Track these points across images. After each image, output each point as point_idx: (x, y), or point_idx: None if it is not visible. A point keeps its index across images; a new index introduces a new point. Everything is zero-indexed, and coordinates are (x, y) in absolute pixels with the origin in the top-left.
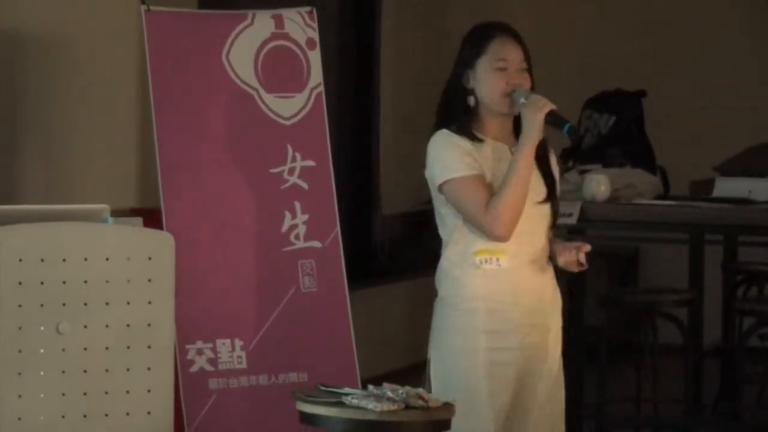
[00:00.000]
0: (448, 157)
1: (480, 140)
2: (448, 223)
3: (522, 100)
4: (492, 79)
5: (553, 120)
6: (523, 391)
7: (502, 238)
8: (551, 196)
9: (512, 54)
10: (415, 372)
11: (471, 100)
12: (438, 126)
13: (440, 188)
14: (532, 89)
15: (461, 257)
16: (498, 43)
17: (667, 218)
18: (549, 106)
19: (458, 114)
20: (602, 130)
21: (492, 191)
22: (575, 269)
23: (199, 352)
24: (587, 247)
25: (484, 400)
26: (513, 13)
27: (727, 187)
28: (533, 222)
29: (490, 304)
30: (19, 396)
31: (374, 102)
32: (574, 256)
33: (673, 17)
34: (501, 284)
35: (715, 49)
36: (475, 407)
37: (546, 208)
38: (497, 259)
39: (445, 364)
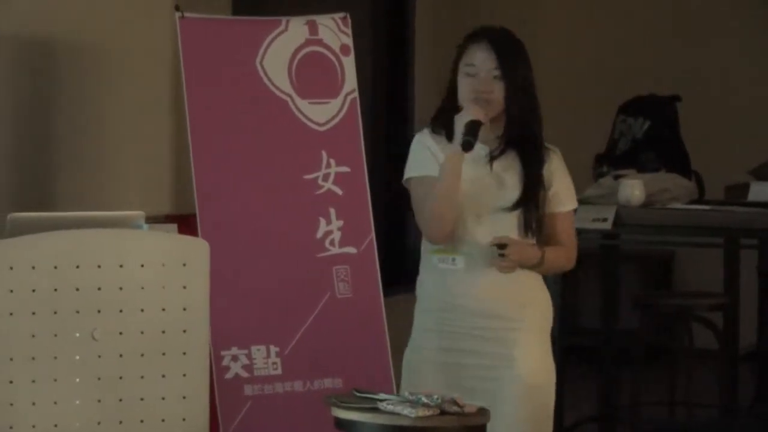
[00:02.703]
0: (411, 157)
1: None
2: None
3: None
4: (463, 83)
5: (467, 131)
6: (487, 396)
7: (433, 241)
8: (521, 204)
9: (481, 61)
10: None
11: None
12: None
13: (403, 184)
14: (522, 96)
15: (425, 255)
16: (472, 48)
17: (702, 223)
18: (471, 117)
19: (446, 114)
20: (637, 135)
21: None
22: (501, 270)
23: (235, 358)
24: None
25: None
26: (545, 18)
27: (762, 191)
28: (496, 227)
29: (442, 305)
30: (55, 402)
31: (408, 107)
32: (492, 255)
33: (708, 22)
34: (455, 285)
35: (749, 54)
36: None
37: (514, 215)
38: (453, 260)
39: (408, 360)
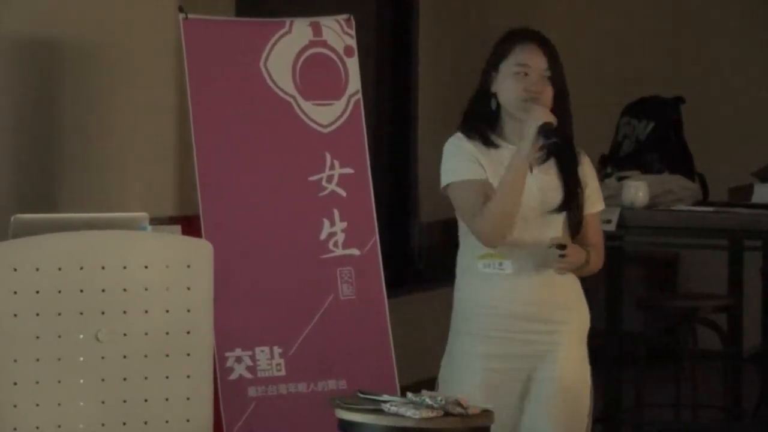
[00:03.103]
0: (451, 161)
1: (496, 145)
2: (460, 226)
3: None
4: (511, 83)
5: (544, 133)
6: (528, 400)
7: (490, 245)
8: (566, 206)
9: (534, 61)
10: None
11: (493, 103)
12: (458, 128)
13: (444, 191)
14: (564, 98)
15: (467, 260)
16: (521, 48)
17: (706, 224)
18: (543, 119)
19: (479, 117)
20: (641, 137)
21: None
22: (558, 272)
23: (238, 359)
24: (561, 247)
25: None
26: (550, 19)
27: (766, 192)
28: (543, 230)
29: (490, 310)
30: (59, 404)
31: (412, 109)
32: (552, 256)
33: (711, 23)
34: (502, 290)
35: (754, 55)
36: None
37: (559, 217)
38: (500, 264)
39: (450, 368)
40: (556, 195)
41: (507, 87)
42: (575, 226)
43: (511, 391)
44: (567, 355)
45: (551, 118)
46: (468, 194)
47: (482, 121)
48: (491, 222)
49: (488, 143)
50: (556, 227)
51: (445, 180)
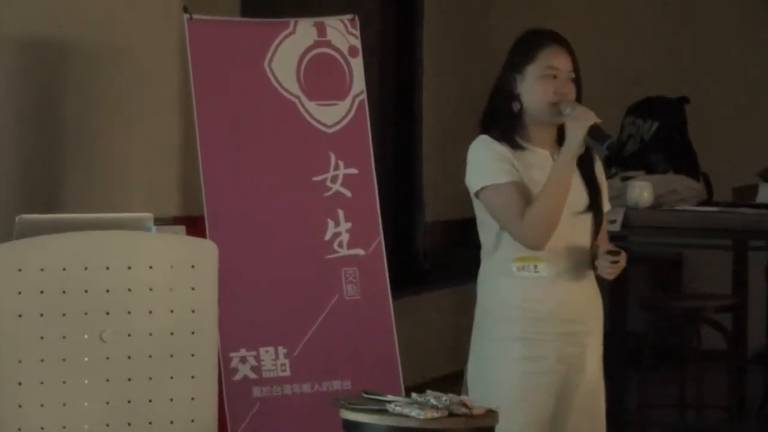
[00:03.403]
0: (485, 164)
1: (522, 147)
2: (487, 229)
3: (567, 110)
4: (540, 86)
5: (594, 134)
6: (560, 400)
7: (536, 247)
8: (593, 206)
9: (562, 63)
10: (458, 379)
11: (516, 106)
12: (481, 131)
13: (477, 195)
14: (578, 99)
15: (500, 264)
16: (549, 51)
17: (711, 224)
18: (593, 120)
19: (502, 119)
20: (645, 137)
21: (531, 199)
22: (607, 276)
23: (243, 359)
24: (615, 254)
25: (519, 410)
26: (554, 18)
27: None
28: (574, 231)
29: (526, 313)
30: (64, 404)
31: (417, 109)
32: (605, 262)
33: (716, 23)
34: (537, 292)
35: (758, 55)
36: (511, 417)
37: (587, 218)
38: (535, 267)
39: (482, 372)
40: (582, 196)
41: (535, 90)
42: (598, 225)
43: (548, 393)
44: (595, 356)
45: (597, 118)
46: (509, 197)
47: (505, 124)
48: (538, 224)
49: (515, 146)
50: (584, 228)
51: (479, 183)
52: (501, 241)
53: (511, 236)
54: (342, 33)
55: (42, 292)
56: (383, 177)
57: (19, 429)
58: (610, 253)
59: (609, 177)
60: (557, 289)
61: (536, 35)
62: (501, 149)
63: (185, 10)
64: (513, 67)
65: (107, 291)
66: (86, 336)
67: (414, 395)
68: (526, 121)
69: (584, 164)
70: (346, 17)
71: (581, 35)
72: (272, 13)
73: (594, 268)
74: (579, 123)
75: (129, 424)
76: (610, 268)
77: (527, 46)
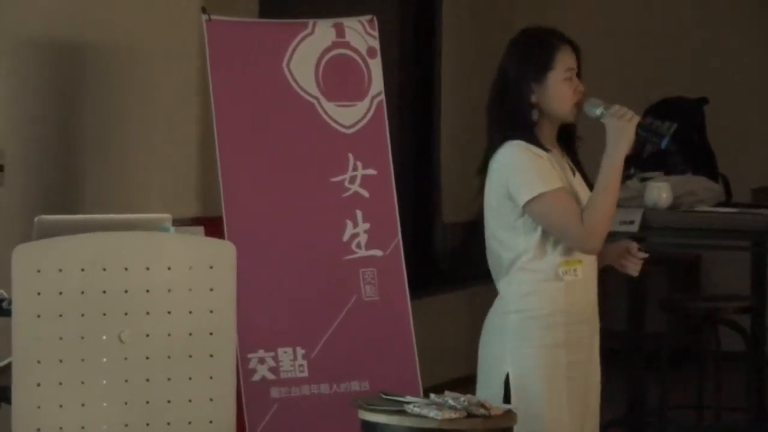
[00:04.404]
0: (532, 171)
1: (548, 150)
2: (523, 234)
3: (600, 110)
4: (564, 91)
5: (649, 129)
6: (590, 400)
7: (593, 251)
8: None
9: (574, 62)
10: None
11: (535, 114)
12: (501, 139)
13: (528, 201)
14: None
15: (546, 270)
16: (563, 52)
17: (729, 225)
18: (636, 117)
19: (522, 125)
20: None
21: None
22: (634, 273)
23: (261, 360)
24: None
25: (566, 416)
26: (571, 18)
27: None
28: None
29: (571, 317)
30: (83, 405)
31: (435, 110)
32: (635, 258)
33: (734, 25)
34: (578, 296)
35: None
36: (557, 423)
37: None
38: (574, 270)
39: (527, 379)
40: (588, 195)
41: (561, 94)
42: None
43: (583, 397)
44: (598, 355)
45: (635, 114)
46: (565, 203)
47: (529, 130)
48: (600, 227)
49: (546, 150)
50: None
51: (530, 192)
52: (545, 246)
53: (567, 241)
54: (360, 34)
55: (61, 292)
56: (401, 178)
57: (38, 429)
58: (641, 250)
59: (627, 178)
60: (588, 290)
61: (546, 38)
62: (543, 154)
63: (204, 11)
64: (531, 75)
65: (126, 292)
66: (105, 337)
67: (432, 396)
68: (542, 125)
69: (578, 161)
70: (365, 18)
71: (599, 35)
72: (290, 14)
73: (620, 266)
74: (623, 121)
75: (147, 425)
76: (638, 266)
77: (543, 53)
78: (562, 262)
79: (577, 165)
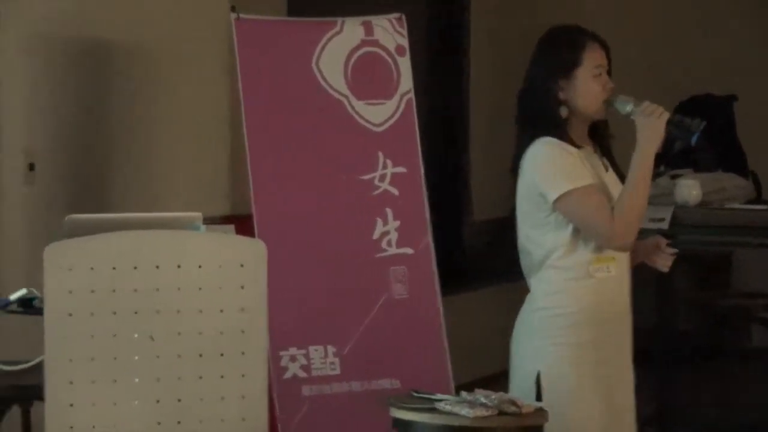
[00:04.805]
0: (564, 167)
1: (579, 147)
2: (554, 231)
3: (630, 107)
4: (593, 87)
5: (681, 126)
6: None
7: (625, 248)
8: None
9: (603, 59)
10: (507, 378)
11: (564, 111)
12: (531, 136)
13: (558, 198)
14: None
15: (576, 267)
16: (592, 50)
17: (759, 222)
18: (666, 113)
19: (553, 123)
20: None
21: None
22: (665, 269)
23: (293, 358)
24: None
25: (595, 414)
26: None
27: None
28: None
29: (601, 315)
30: (115, 403)
31: (463, 107)
32: (666, 254)
33: (764, 22)
34: (609, 293)
35: None
36: (587, 421)
37: None
38: (607, 267)
39: (556, 377)
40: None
41: (591, 91)
42: None
43: (614, 395)
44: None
45: (665, 111)
46: (595, 200)
47: (559, 127)
48: (631, 224)
49: (577, 147)
50: None
51: (560, 189)
52: (576, 243)
53: (596, 239)
54: (389, 32)
55: (92, 291)
56: (431, 175)
57: (71, 427)
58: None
59: (657, 175)
60: (621, 287)
61: (573, 35)
62: (574, 151)
63: (233, 9)
64: (558, 72)
65: (157, 290)
66: (136, 335)
67: (463, 393)
68: (572, 122)
69: (612, 157)
70: (393, 16)
71: (627, 33)
72: (319, 12)
73: (651, 261)
74: (653, 118)
75: (179, 423)
76: (669, 260)
77: (572, 50)
78: (594, 259)
79: (612, 163)
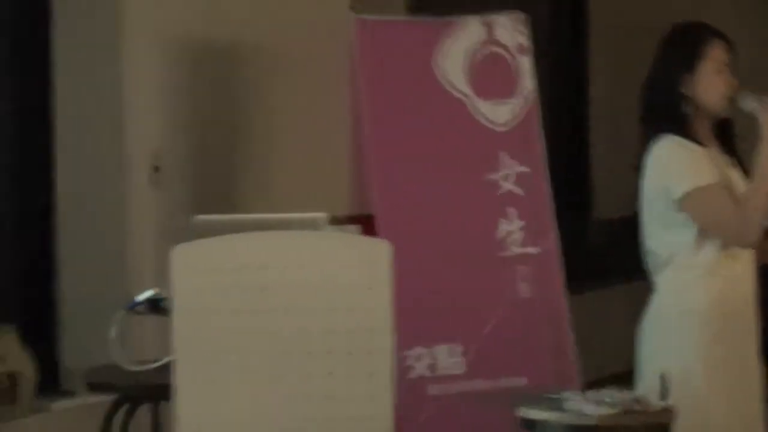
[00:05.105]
0: (689, 165)
1: (704, 146)
2: (679, 229)
3: (754, 103)
4: (716, 82)
5: None
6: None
7: (752, 245)
8: None
9: (727, 56)
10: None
11: (687, 107)
12: (654, 132)
13: (683, 197)
14: None
15: (704, 266)
16: (716, 45)
17: None
18: None
19: (677, 120)
20: None
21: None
22: None
23: (419, 358)
24: None
25: (724, 411)
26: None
27: None
28: None
29: (726, 312)
30: (244, 401)
31: (585, 106)
32: None
33: None
34: (735, 291)
35: None
36: (715, 419)
37: None
38: (732, 265)
39: (683, 375)
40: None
41: (714, 86)
42: None
43: (741, 392)
44: (756, 351)
45: None
46: (720, 198)
47: (683, 124)
48: (756, 222)
49: (701, 146)
50: None
51: (685, 187)
52: (703, 242)
53: (722, 237)
54: (510, 31)
55: (220, 290)
56: (553, 174)
57: (201, 426)
58: None
59: None
60: (746, 285)
61: (698, 30)
62: (698, 149)
63: (353, 9)
64: (681, 66)
65: (284, 289)
66: (265, 333)
67: (589, 392)
68: (696, 119)
69: (738, 155)
70: (514, 15)
71: (753, 32)
72: (439, 11)
73: None
74: None
75: (309, 420)
76: None
77: (695, 44)
78: (719, 257)
79: (738, 161)
